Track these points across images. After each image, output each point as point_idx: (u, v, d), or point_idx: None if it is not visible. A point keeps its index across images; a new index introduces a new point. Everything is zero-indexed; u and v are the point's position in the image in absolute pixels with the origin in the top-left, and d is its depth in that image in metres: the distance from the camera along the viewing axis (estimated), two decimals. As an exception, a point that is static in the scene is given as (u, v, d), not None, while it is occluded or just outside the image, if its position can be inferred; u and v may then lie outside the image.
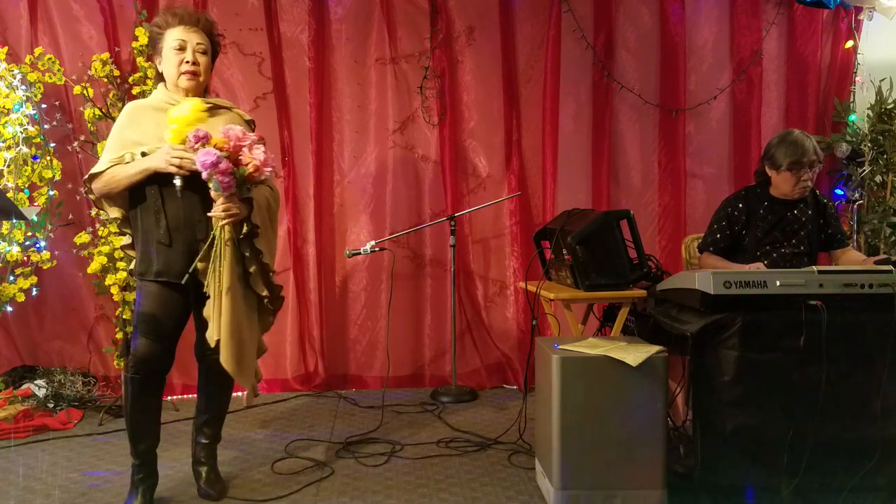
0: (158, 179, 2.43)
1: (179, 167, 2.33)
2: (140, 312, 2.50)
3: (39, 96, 3.74)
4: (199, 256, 2.42)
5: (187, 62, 2.50)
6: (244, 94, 4.14)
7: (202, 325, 2.58)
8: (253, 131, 2.64)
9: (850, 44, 4.43)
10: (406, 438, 3.37)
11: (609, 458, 2.46)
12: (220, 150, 2.28)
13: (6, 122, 3.62)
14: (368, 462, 3.08)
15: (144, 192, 2.47)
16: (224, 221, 2.36)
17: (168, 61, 2.52)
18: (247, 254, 2.48)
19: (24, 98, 3.68)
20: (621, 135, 4.40)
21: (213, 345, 2.46)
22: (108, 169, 2.46)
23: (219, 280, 2.41)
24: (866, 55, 4.43)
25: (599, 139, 4.34)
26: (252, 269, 2.50)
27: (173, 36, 2.51)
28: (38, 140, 3.72)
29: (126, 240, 2.61)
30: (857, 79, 4.46)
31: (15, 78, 3.67)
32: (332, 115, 4.25)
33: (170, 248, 2.47)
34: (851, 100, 4.46)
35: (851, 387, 2.45)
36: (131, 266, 2.63)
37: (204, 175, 2.28)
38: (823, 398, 2.40)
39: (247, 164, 2.33)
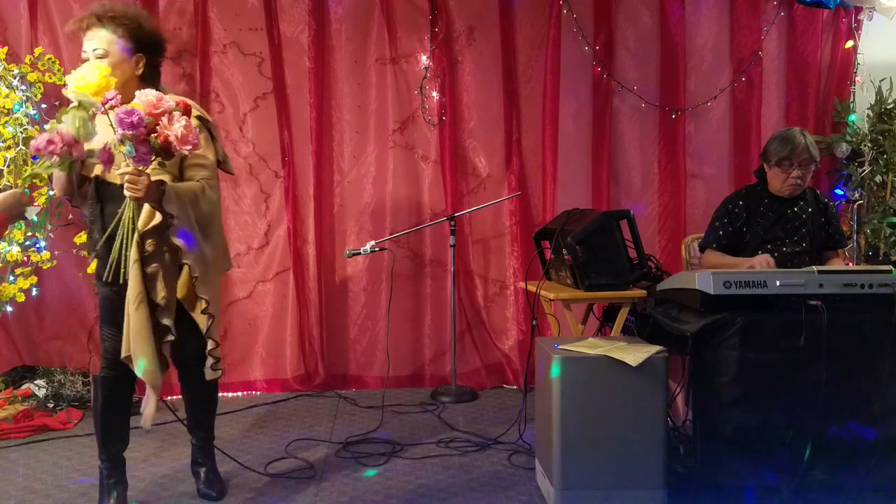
0: (99, 185, 2.40)
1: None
2: (99, 312, 2.50)
3: (39, 96, 3.74)
4: (115, 244, 2.25)
5: None
6: (244, 94, 4.14)
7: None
8: (211, 132, 2.47)
9: (850, 44, 4.42)
10: (406, 438, 3.37)
11: (609, 458, 2.46)
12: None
13: (6, 122, 3.62)
14: (368, 462, 3.08)
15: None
16: (128, 193, 2.14)
17: None
18: (148, 248, 2.27)
19: (24, 98, 3.69)
20: (621, 135, 4.39)
21: (123, 356, 2.30)
22: None
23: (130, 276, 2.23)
24: (866, 55, 4.43)
25: (599, 139, 4.34)
26: (150, 270, 2.29)
27: (83, 48, 2.39)
28: (38, 140, 3.72)
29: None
30: (857, 79, 4.45)
31: (15, 78, 3.68)
32: (332, 115, 4.25)
33: (107, 252, 2.33)
34: (851, 100, 4.45)
35: (851, 387, 2.45)
36: None
37: (118, 135, 2.03)
38: (823, 398, 2.40)
39: (160, 135, 2.07)
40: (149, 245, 2.27)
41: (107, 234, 2.31)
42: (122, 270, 2.26)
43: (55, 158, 2.03)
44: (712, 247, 3.18)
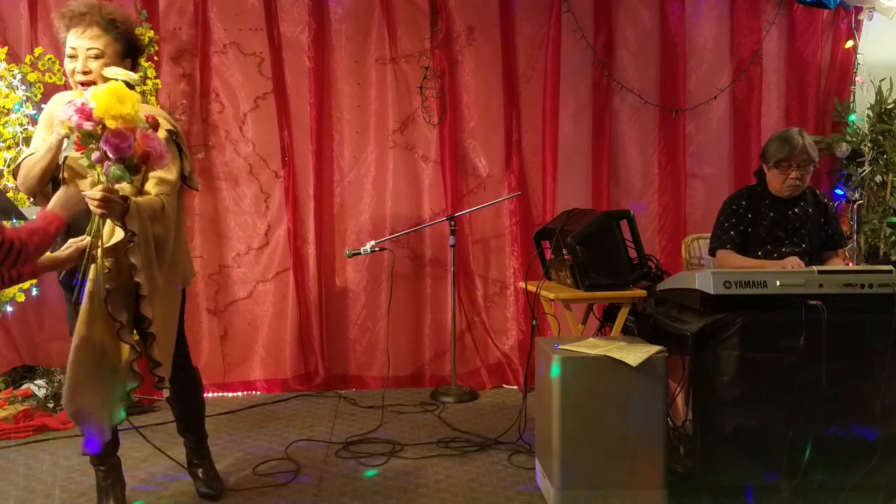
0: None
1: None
2: (68, 320, 2.45)
3: (39, 96, 3.74)
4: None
5: (78, 72, 2.30)
6: (244, 94, 4.14)
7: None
8: (180, 146, 2.44)
9: (850, 44, 4.43)
10: (406, 438, 3.37)
11: (609, 458, 2.46)
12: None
13: (6, 122, 3.62)
14: (368, 462, 3.08)
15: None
16: (97, 210, 2.07)
17: (67, 69, 2.36)
18: (109, 266, 2.18)
19: (24, 98, 3.69)
20: (621, 135, 4.40)
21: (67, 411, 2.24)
22: (23, 160, 2.35)
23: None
24: (866, 55, 4.43)
25: (599, 139, 4.34)
26: (110, 286, 2.18)
27: (68, 43, 2.32)
28: (38, 140, 3.72)
29: None
30: (857, 79, 4.45)
31: (15, 78, 3.68)
32: (332, 115, 4.25)
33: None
34: (851, 100, 4.46)
35: (851, 387, 2.45)
36: None
37: (97, 154, 1.99)
38: (823, 398, 2.39)
39: (136, 153, 2.02)
40: (109, 263, 2.19)
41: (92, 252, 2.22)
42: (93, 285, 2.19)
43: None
44: (726, 247, 3.13)
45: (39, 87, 3.73)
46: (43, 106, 3.78)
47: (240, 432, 3.49)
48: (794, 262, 2.86)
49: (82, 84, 2.29)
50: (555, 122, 4.28)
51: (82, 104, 1.97)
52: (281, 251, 4.21)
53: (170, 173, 2.37)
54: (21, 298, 3.69)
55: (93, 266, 2.17)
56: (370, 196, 4.27)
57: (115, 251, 2.20)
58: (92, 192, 2.06)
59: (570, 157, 4.34)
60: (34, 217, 2.29)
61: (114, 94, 1.99)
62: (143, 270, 2.20)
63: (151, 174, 2.34)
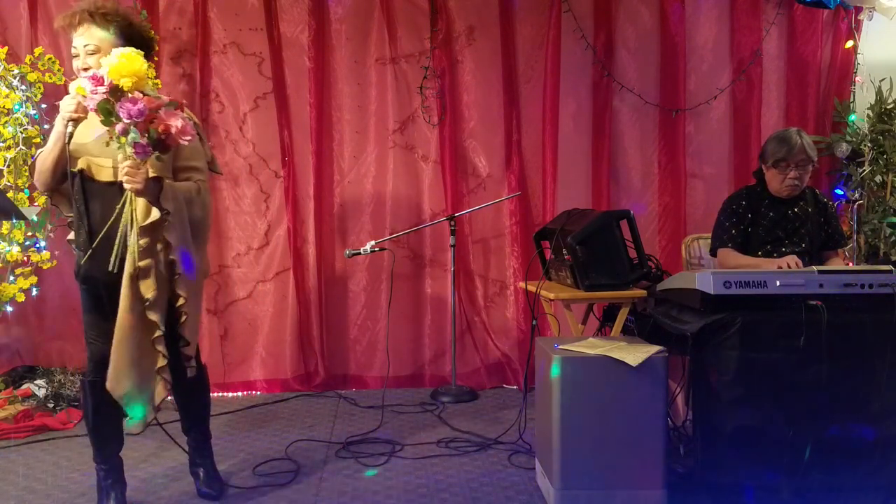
0: (84, 181, 2.35)
1: (75, 111, 2.21)
2: (83, 316, 2.47)
3: (39, 96, 3.74)
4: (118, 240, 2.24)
5: (79, 69, 2.36)
6: (244, 94, 4.14)
7: None
8: (199, 134, 2.48)
9: (850, 44, 4.42)
10: (406, 438, 3.37)
11: (609, 458, 2.46)
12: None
13: (6, 122, 3.62)
14: (368, 462, 3.08)
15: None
16: (127, 185, 2.16)
17: (74, 69, 2.42)
18: (142, 244, 2.26)
19: (24, 98, 3.69)
20: (621, 134, 4.39)
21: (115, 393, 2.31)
22: (37, 157, 2.42)
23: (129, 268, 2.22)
24: (866, 55, 4.43)
25: (599, 139, 4.34)
26: (143, 265, 2.26)
27: (73, 44, 2.38)
28: (38, 140, 3.72)
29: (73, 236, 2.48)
30: (857, 79, 4.45)
31: (15, 78, 3.68)
32: (332, 115, 4.25)
33: (93, 252, 2.32)
34: (851, 100, 4.45)
35: (851, 387, 2.45)
36: None
37: (120, 125, 2.07)
38: (823, 398, 2.40)
39: (159, 124, 2.10)
40: (143, 242, 2.28)
41: (107, 226, 2.29)
42: (121, 259, 2.26)
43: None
44: (727, 246, 3.13)
45: (39, 87, 3.73)
46: (43, 106, 3.80)
47: (240, 432, 3.49)
48: (791, 261, 2.86)
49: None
50: (555, 122, 4.28)
51: (93, 73, 2.06)
52: (281, 251, 4.22)
53: (199, 161, 2.46)
54: (21, 298, 3.69)
55: (133, 243, 2.24)
56: (370, 196, 4.27)
57: (150, 231, 2.28)
58: (121, 166, 2.14)
59: (570, 157, 4.34)
60: (33, 217, 2.28)
61: (123, 55, 2.08)
62: (177, 249, 2.29)
63: (181, 164, 2.41)
